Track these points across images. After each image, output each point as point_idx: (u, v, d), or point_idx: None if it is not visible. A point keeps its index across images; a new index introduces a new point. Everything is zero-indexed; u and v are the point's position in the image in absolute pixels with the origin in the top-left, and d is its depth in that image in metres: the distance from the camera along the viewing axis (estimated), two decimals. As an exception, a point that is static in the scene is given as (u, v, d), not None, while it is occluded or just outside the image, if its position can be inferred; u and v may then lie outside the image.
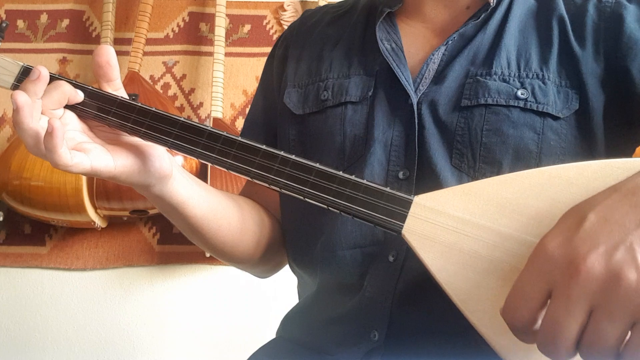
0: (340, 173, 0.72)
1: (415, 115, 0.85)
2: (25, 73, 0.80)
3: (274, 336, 1.00)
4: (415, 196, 0.69)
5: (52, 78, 0.79)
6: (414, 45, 0.92)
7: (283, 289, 1.86)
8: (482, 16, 0.88)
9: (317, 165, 0.73)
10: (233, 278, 1.99)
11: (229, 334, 1.96)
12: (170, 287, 2.01)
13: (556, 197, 0.64)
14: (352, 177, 0.71)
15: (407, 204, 0.69)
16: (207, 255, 1.93)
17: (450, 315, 0.66)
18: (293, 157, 0.74)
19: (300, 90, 0.97)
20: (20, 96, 0.71)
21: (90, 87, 0.79)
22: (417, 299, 0.80)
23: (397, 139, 0.86)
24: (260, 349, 0.97)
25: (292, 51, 1.03)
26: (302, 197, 0.73)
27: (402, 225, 0.68)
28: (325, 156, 0.88)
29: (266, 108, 1.05)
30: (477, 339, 0.64)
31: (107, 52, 0.77)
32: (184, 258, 2.01)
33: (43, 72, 0.75)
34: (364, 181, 0.71)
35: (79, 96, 0.77)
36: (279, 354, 0.93)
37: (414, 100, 0.86)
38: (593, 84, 0.83)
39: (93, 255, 2.01)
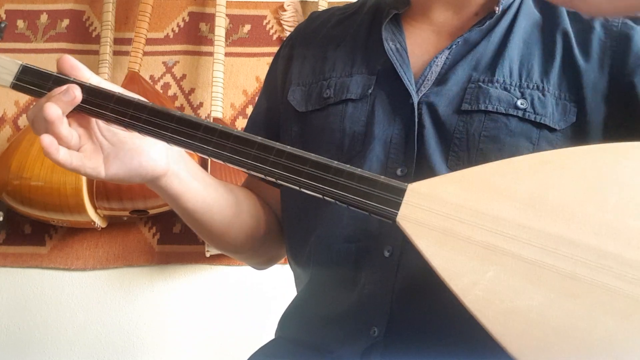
0: (335, 163, 0.73)
1: (416, 115, 0.87)
2: (24, 72, 0.83)
3: (273, 336, 1.00)
4: (409, 184, 0.70)
5: (56, 77, 0.81)
6: (419, 47, 0.94)
7: (283, 289, 1.85)
8: (487, 24, 0.90)
9: (312, 155, 0.74)
10: (233, 278, 1.99)
11: (229, 334, 1.96)
12: (170, 287, 2.01)
13: (548, 182, 0.65)
14: (347, 166, 0.72)
15: (401, 192, 0.70)
16: (207, 255, 1.93)
17: (451, 310, 0.67)
18: (288, 148, 0.75)
19: (304, 88, 0.99)
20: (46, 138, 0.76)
21: (87, 84, 0.81)
22: (417, 295, 0.81)
23: (397, 137, 0.88)
24: (259, 349, 0.97)
25: (298, 51, 1.04)
26: (298, 188, 0.74)
27: (397, 213, 0.69)
28: (324, 152, 0.88)
29: (269, 107, 1.07)
30: (479, 333, 0.64)
31: (66, 60, 0.82)
32: (184, 258, 2.01)
33: (77, 94, 0.79)
34: (358, 170, 0.72)
35: (78, 99, 0.79)
36: (278, 354, 0.93)
37: (415, 100, 0.87)
38: (594, 98, 0.85)
39: (93, 255, 2.01)
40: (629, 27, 0.87)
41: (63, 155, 0.77)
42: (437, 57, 0.90)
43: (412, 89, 0.88)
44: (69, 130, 0.78)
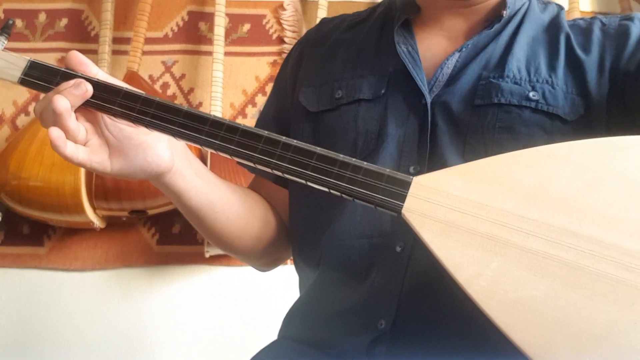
0: (341, 156, 0.75)
1: (429, 115, 0.89)
2: (32, 67, 0.84)
3: (275, 337, 1.01)
4: (414, 177, 0.71)
5: (63, 72, 0.83)
6: (429, 51, 0.97)
7: (284, 290, 1.85)
8: (495, 27, 0.94)
9: (318, 149, 0.76)
10: (233, 279, 2.00)
11: (229, 335, 1.96)
12: (169, 288, 2.01)
13: (551, 175, 0.67)
14: (353, 159, 0.74)
15: (407, 185, 0.71)
16: (207, 255, 1.93)
17: (458, 306, 0.68)
18: (295, 142, 0.77)
19: (315, 89, 1.01)
20: (54, 131, 0.77)
21: (95, 79, 0.82)
22: (425, 289, 0.82)
23: (410, 135, 0.91)
24: (260, 350, 0.97)
25: (308, 54, 1.07)
26: (304, 181, 0.75)
27: (402, 205, 0.70)
28: (338, 151, 0.91)
29: (278, 108, 1.09)
30: (485, 330, 0.65)
31: (74, 56, 0.84)
32: (183, 259, 2.01)
33: (89, 89, 0.80)
34: (365, 163, 0.73)
35: (89, 93, 0.81)
36: (280, 355, 0.94)
37: (428, 100, 0.90)
38: (598, 93, 0.88)
39: (92, 255, 2.01)
40: (626, 26, 0.91)
41: (70, 149, 0.78)
42: (448, 59, 0.93)
43: (425, 90, 0.91)
44: (77, 124, 0.79)
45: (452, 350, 0.80)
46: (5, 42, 0.88)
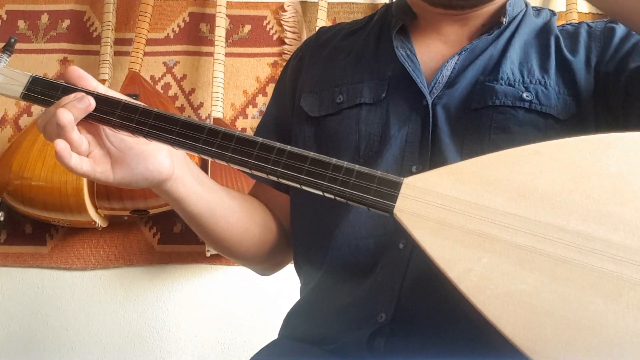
0: (334, 160, 0.76)
1: (430, 115, 0.91)
2: (34, 83, 0.86)
3: (275, 336, 1.02)
4: (405, 178, 0.73)
5: (64, 87, 0.85)
6: (427, 55, 0.98)
7: (285, 289, 1.86)
8: (494, 33, 0.96)
9: (312, 154, 0.77)
10: (234, 278, 2.00)
11: (230, 334, 1.97)
12: (170, 287, 2.02)
13: (537, 172, 0.69)
14: (345, 162, 0.75)
15: (398, 185, 0.73)
16: (208, 255, 1.94)
17: (457, 300, 0.69)
18: (289, 147, 0.78)
19: (316, 95, 1.03)
20: (60, 143, 0.79)
21: (95, 92, 0.84)
22: (425, 285, 0.84)
23: (412, 136, 0.92)
24: (261, 350, 0.98)
25: (307, 62, 1.09)
26: (298, 185, 0.77)
27: (394, 206, 0.72)
28: (341, 155, 0.93)
29: (278, 114, 1.10)
30: (481, 325, 0.66)
31: (74, 70, 0.86)
32: (185, 258, 2.02)
33: (92, 102, 0.82)
34: (357, 166, 0.75)
35: (92, 106, 0.83)
36: (280, 354, 0.95)
37: (429, 101, 0.92)
38: (585, 92, 0.90)
39: (94, 255, 2.02)
40: (611, 28, 0.94)
41: (75, 160, 0.80)
42: (447, 62, 0.95)
43: (425, 90, 0.93)
44: (80, 136, 0.81)
45: (450, 345, 0.82)
46: (8, 59, 0.90)
